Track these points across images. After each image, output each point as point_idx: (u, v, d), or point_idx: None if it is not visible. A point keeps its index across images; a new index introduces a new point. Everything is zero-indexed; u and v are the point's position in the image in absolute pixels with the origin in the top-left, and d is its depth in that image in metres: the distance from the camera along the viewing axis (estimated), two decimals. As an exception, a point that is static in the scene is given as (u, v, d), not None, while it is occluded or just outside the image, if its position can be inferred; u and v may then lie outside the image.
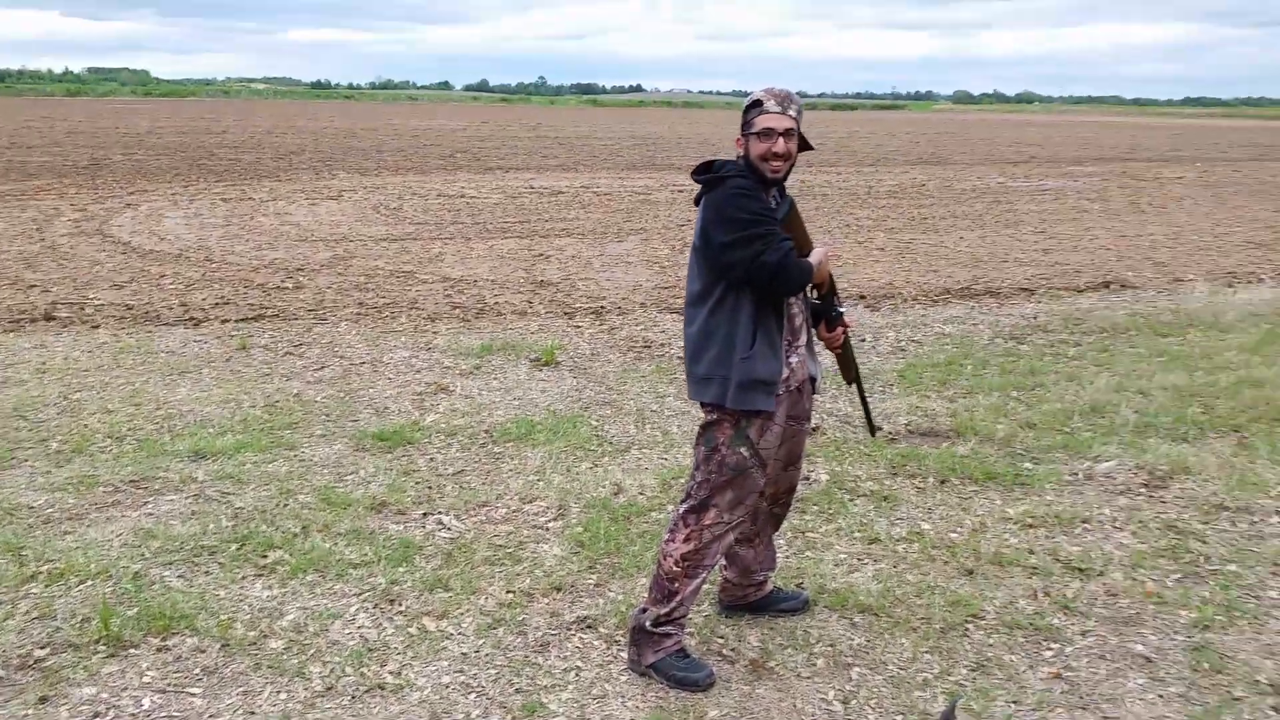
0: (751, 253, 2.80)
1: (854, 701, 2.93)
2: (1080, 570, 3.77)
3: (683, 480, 4.62)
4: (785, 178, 2.97)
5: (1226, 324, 7.75)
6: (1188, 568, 3.78)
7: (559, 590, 3.56)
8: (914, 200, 17.41)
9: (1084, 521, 4.21)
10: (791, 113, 2.93)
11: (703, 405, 3.02)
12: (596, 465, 4.83)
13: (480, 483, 4.59)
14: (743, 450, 2.96)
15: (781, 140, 2.89)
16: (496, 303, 8.61)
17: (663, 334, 7.56)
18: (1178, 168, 26.05)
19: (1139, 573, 3.73)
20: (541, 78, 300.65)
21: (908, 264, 10.91)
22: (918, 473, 4.77)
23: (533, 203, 16.00)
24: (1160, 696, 2.95)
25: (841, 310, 3.19)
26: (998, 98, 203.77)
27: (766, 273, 2.81)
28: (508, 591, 3.54)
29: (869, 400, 3.48)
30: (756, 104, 2.94)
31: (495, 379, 6.31)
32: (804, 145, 3.00)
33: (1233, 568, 3.75)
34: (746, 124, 2.95)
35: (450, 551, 3.85)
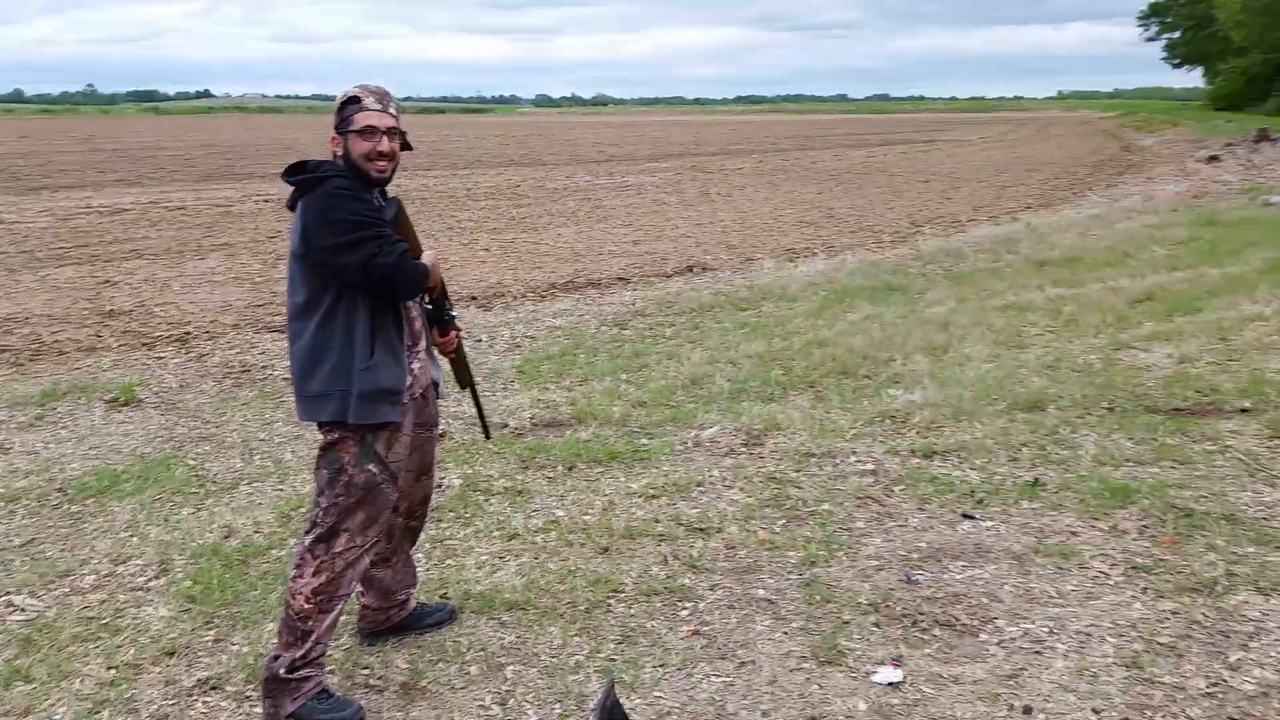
0: (365, 255, 2.64)
1: (511, 701, 2.89)
2: (701, 530, 4.02)
3: (304, 511, 4.31)
4: (390, 178, 2.84)
5: (792, 295, 8.72)
6: (790, 513, 4.17)
7: (172, 655, 3.15)
8: (511, 201, 17.79)
9: (698, 485, 4.51)
10: (392, 110, 2.82)
11: (320, 425, 2.81)
12: (200, 509, 4.36)
13: (58, 550, 3.96)
14: (371, 467, 2.79)
15: (385, 139, 2.76)
16: (56, 340, 7.53)
17: (263, 355, 7.04)
18: (737, 160, 29.02)
19: (751, 524, 4.06)
20: (90, 85, 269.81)
21: (513, 262, 11.10)
22: (547, 463, 4.84)
23: (92, 224, 14.24)
24: (784, 633, 3.22)
25: (454, 314, 3.12)
26: (576, 100, 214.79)
27: (383, 275, 2.66)
28: (109, 668, 3.07)
29: (483, 404, 3.44)
30: (354, 100, 2.77)
31: (64, 428, 5.50)
32: (404, 145, 2.89)
33: (826, 507, 4.20)
34: (344, 121, 2.77)
35: (28, 636, 3.27)
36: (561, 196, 18.73)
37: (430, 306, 3.05)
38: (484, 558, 3.84)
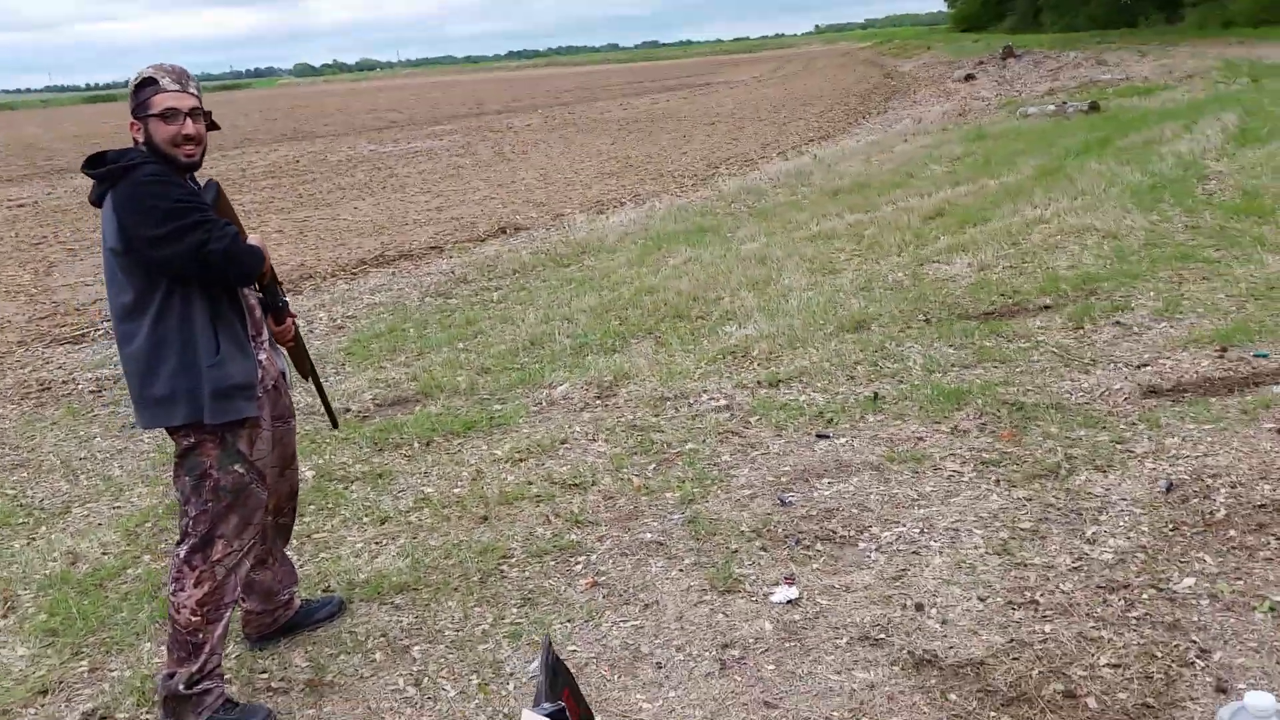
0: (194, 243, 2.46)
1: (425, 680, 2.84)
2: (576, 485, 4.04)
3: (150, 525, 4.04)
4: (200, 162, 2.66)
5: (611, 246, 8.79)
6: (658, 457, 4.26)
7: (46, 693, 2.90)
8: (294, 178, 16.96)
9: (563, 443, 4.52)
10: (193, 89, 2.62)
11: (173, 430, 2.63)
12: (34, 539, 4.00)
13: (-126, 607, 3.54)
14: (236, 468, 2.65)
15: (189, 120, 2.57)
16: None
17: (60, 370, 6.46)
18: (524, 116, 28.74)
19: (623, 473, 4.12)
20: None
21: (313, 242, 10.62)
22: (402, 442, 4.72)
23: None
24: (680, 570, 3.30)
25: (286, 300, 2.96)
26: (340, 67, 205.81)
27: (217, 262, 2.48)
28: (-28, 723, 2.81)
29: (326, 391, 3.31)
30: (150, 82, 2.57)
31: None
32: (210, 125, 2.70)
33: (690, 446, 4.31)
34: (141, 105, 2.57)
35: None
36: (348, 169, 18.02)
37: (262, 294, 2.89)
38: (359, 545, 3.73)
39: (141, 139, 2.58)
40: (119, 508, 4.27)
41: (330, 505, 4.09)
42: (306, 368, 3.12)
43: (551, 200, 12.26)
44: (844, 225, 8.61)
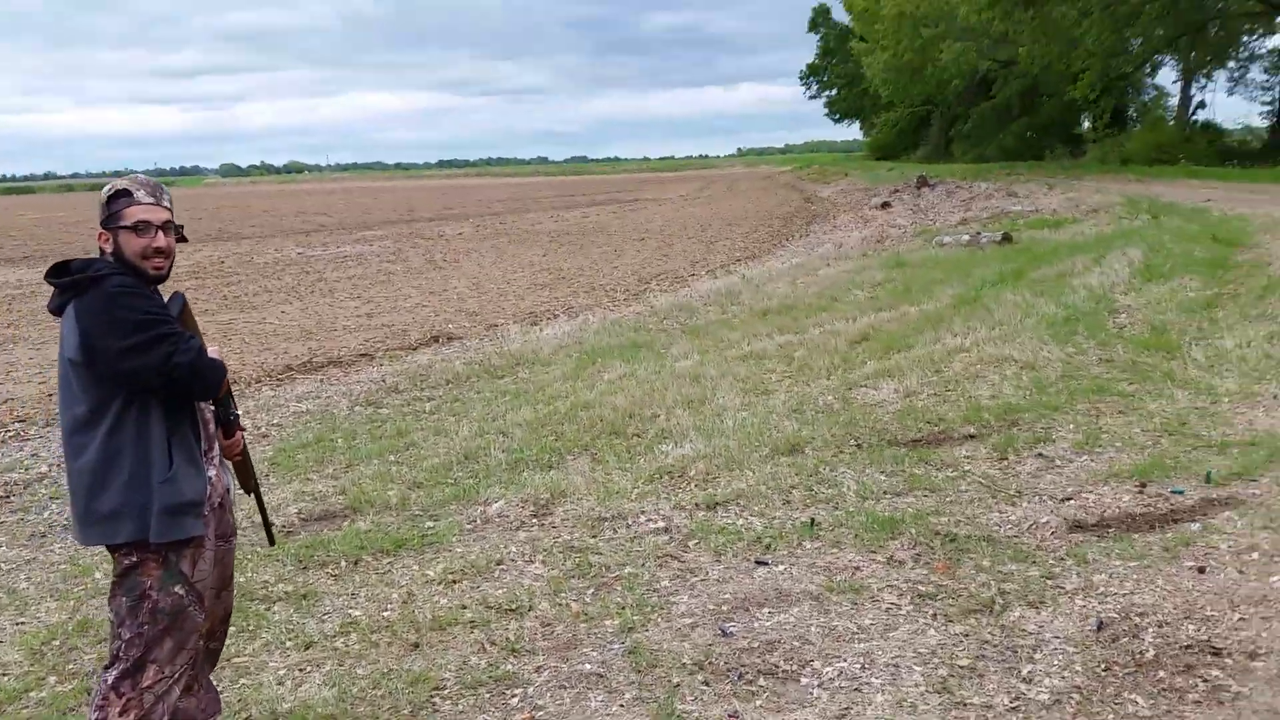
0: (160, 355, 2.45)
1: (354, 827, 2.70)
2: (513, 611, 3.95)
3: (58, 643, 3.82)
4: (167, 275, 2.65)
5: (545, 359, 8.82)
6: (596, 581, 4.20)
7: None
8: (219, 279, 16.74)
9: (498, 564, 4.43)
10: (166, 203, 2.65)
11: (113, 549, 2.54)
12: (-74, 661, 3.74)
13: None
14: (177, 589, 2.56)
15: (160, 234, 2.59)
16: None
17: (-37, 474, 6.15)
18: (456, 224, 28.98)
19: (561, 598, 4.04)
20: None
21: (238, 346, 10.43)
22: (328, 560, 4.57)
23: None
24: (620, 705, 3.22)
25: (238, 413, 2.94)
26: (267, 169, 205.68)
27: (182, 375, 2.47)
28: None
29: (266, 507, 3.24)
30: (124, 194, 2.59)
31: None
32: (179, 238, 2.72)
33: (629, 570, 4.26)
34: (113, 216, 2.59)
35: None
36: (275, 271, 17.87)
37: (215, 407, 2.86)
38: (282, 672, 3.57)
39: (110, 249, 2.58)
40: (23, 623, 4.03)
41: (251, 627, 3.92)
42: (251, 483, 3.08)
43: (484, 310, 12.30)
44: (774, 346, 8.78)
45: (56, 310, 2.56)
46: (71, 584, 4.34)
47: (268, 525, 3.20)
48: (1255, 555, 3.96)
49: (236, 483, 3.05)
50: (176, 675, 2.59)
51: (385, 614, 3.99)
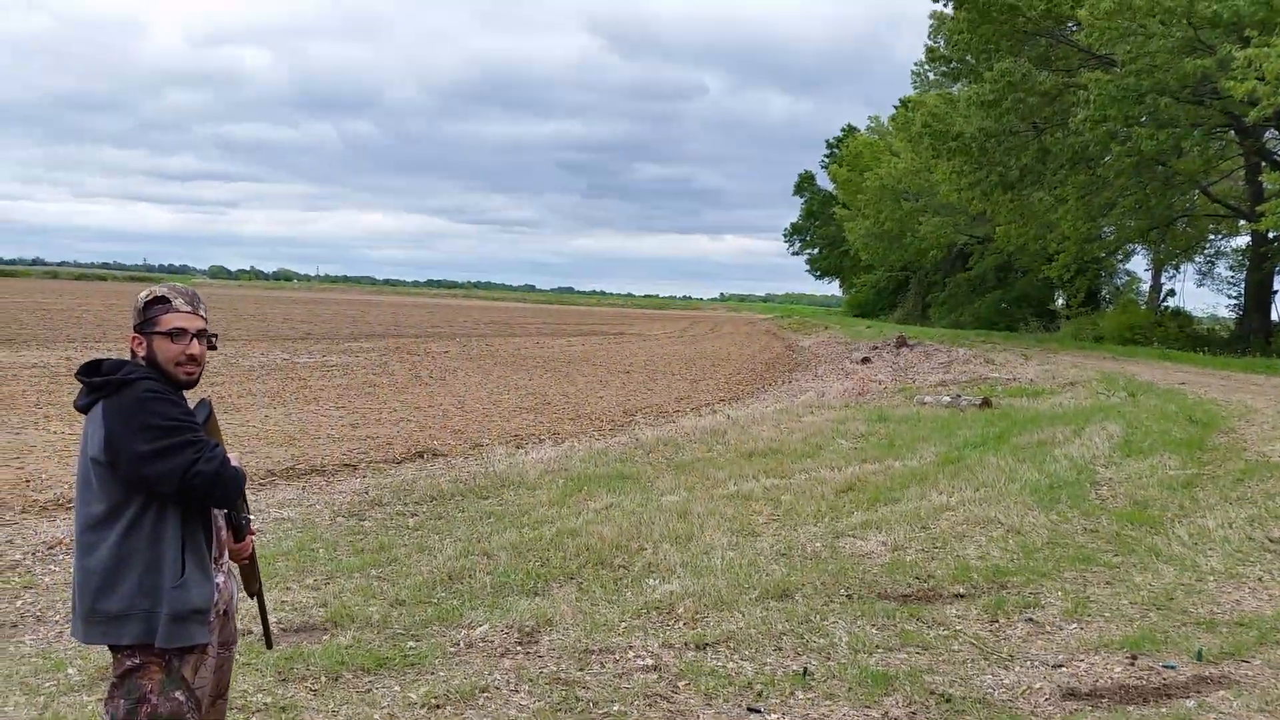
0: (184, 462, 2.47)
1: None
2: (498, 742, 3.84)
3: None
4: (197, 382, 2.70)
5: (532, 482, 8.77)
6: (583, 716, 4.09)
7: None
8: (204, 378, 16.65)
9: (482, 691, 4.32)
10: (202, 312, 2.73)
11: (116, 649, 2.49)
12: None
13: None
14: (177, 694, 2.50)
15: (195, 341, 2.65)
16: None
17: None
18: (442, 343, 29.15)
19: (548, 731, 3.94)
20: None
21: (219, 445, 10.32)
22: (308, 674, 4.44)
23: None
24: None
25: (250, 517, 2.93)
26: (256, 274, 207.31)
27: (204, 483, 2.48)
28: None
29: (268, 611, 3.23)
30: (161, 301, 2.67)
31: None
32: (210, 347, 2.79)
33: (618, 708, 4.17)
34: (148, 321, 2.66)
35: None
36: (260, 375, 17.83)
37: (229, 512, 2.86)
38: (259, 790, 3.42)
39: (143, 353, 2.62)
40: (-14, 721, 3.86)
41: (228, 739, 3.77)
42: (255, 586, 3.05)
43: (469, 429, 12.27)
44: (760, 488, 8.79)
45: (84, 408, 2.60)
46: (43, 678, 4.19)
47: (267, 629, 3.18)
48: (1253, 738, 3.93)
49: (241, 586, 3.02)
50: (167, 784, 2.49)
51: (366, 734, 3.86)
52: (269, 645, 3.28)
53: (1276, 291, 30.78)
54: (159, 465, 2.45)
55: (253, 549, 2.98)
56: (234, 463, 2.68)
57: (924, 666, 4.65)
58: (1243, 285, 32.76)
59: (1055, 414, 13.63)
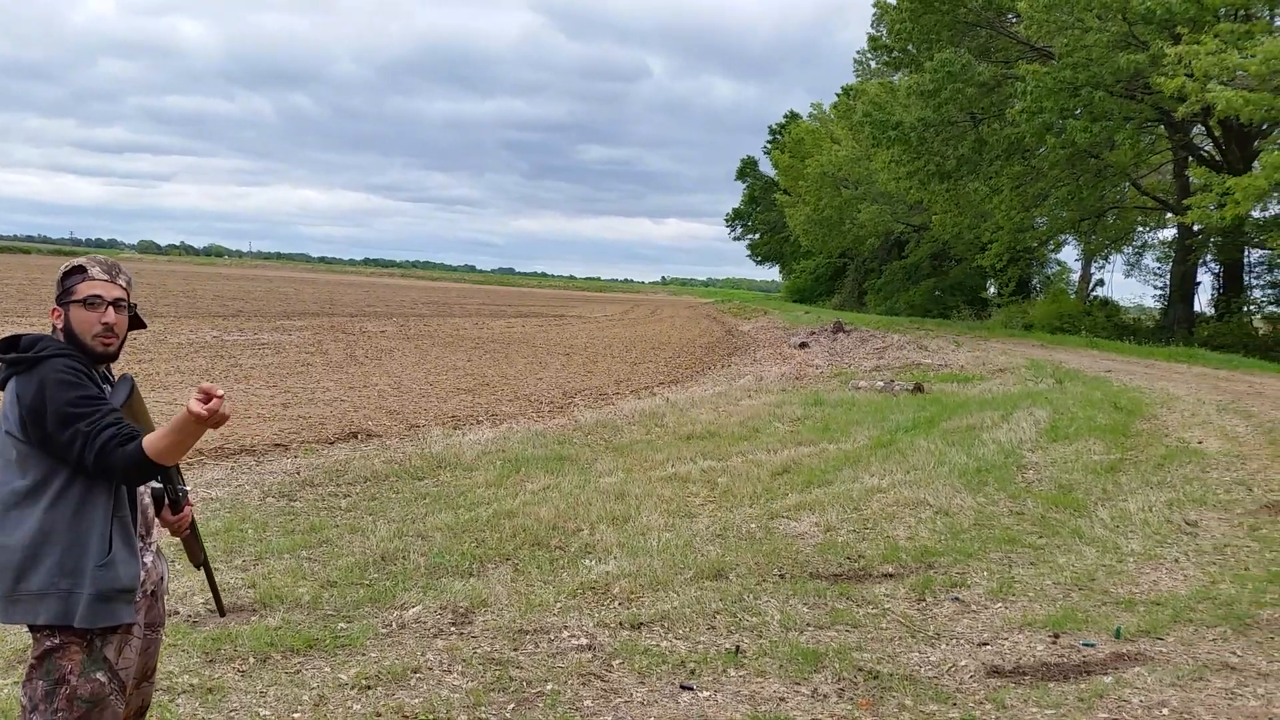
0: (93, 447, 2.39)
1: None
2: (429, 722, 3.82)
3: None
4: (117, 354, 2.62)
5: (469, 463, 8.71)
6: (517, 695, 4.09)
7: None
8: (130, 356, 16.19)
9: (414, 671, 4.29)
10: (121, 282, 2.65)
11: (35, 629, 2.42)
12: None
13: None
14: (99, 675, 2.44)
15: (111, 310, 2.58)
16: None
17: None
18: (379, 322, 28.75)
19: (480, 711, 3.92)
20: None
21: (146, 424, 10.07)
22: (235, 655, 4.37)
23: None
24: (542, 827, 3.11)
25: (186, 489, 2.89)
26: (186, 249, 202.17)
27: (112, 467, 2.41)
28: None
29: (215, 578, 3.21)
30: (78, 270, 2.60)
31: None
32: (136, 323, 2.70)
33: (551, 686, 4.17)
34: (66, 292, 2.59)
35: None
36: (189, 353, 17.42)
37: (160, 483, 2.80)
38: (183, 772, 3.36)
39: (60, 325, 2.56)
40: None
41: (154, 718, 3.69)
42: (200, 557, 3.01)
43: (405, 409, 12.14)
44: (698, 470, 8.85)
45: (1, 385, 2.52)
46: (-46, 660, 4.05)
47: (218, 597, 3.17)
48: (1165, 712, 4.07)
49: (178, 562, 2.97)
50: (88, 766, 2.43)
51: (295, 716, 3.81)
52: (221, 613, 3.33)
53: (1199, 283, 31.78)
54: (62, 449, 2.41)
55: (192, 520, 2.93)
56: (161, 437, 2.58)
57: (853, 644, 4.73)
58: (1168, 277, 33.73)
59: (984, 400, 13.92)
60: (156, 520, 2.78)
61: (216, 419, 2.36)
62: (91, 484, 2.44)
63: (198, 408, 2.33)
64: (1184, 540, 6.80)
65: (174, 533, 2.89)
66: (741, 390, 16.43)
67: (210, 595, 3.29)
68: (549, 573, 5.71)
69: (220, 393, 2.37)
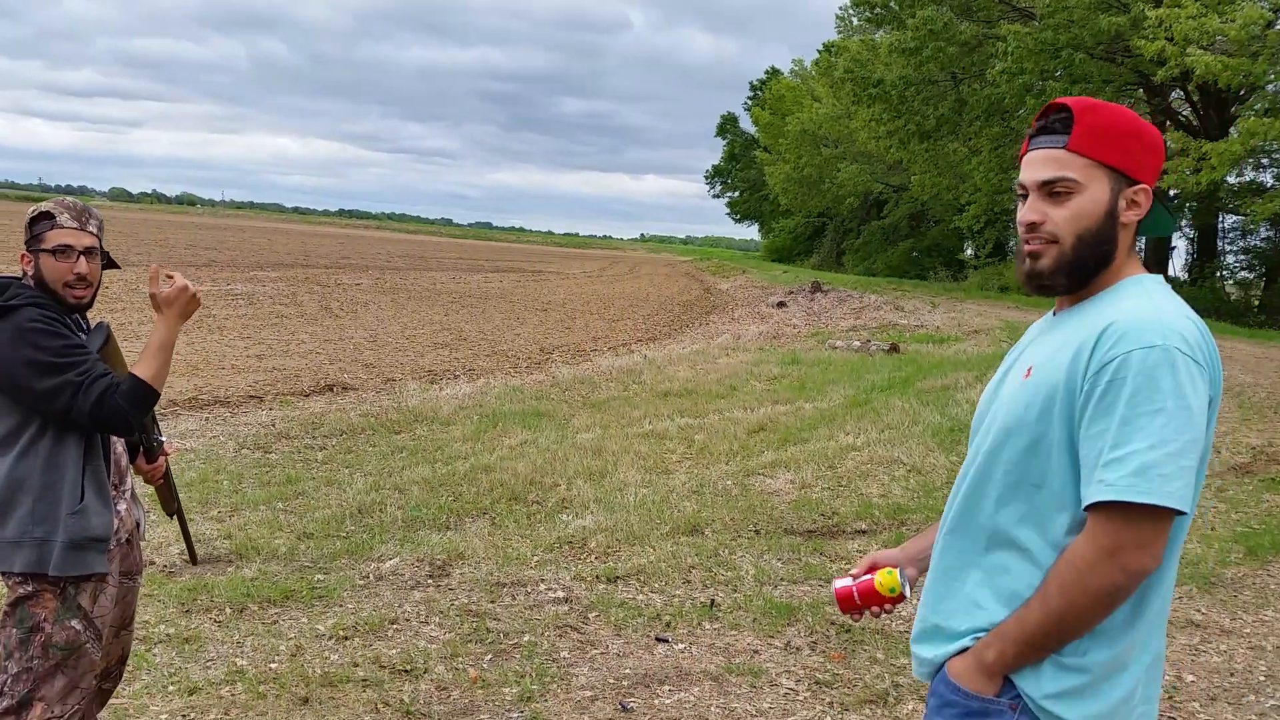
0: (62, 403, 2.38)
1: None
2: (407, 672, 3.85)
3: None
4: (90, 303, 2.58)
5: (446, 418, 8.70)
6: (494, 647, 4.13)
7: None
8: (101, 305, 15.99)
9: (392, 623, 4.32)
10: (92, 228, 2.59)
11: (8, 576, 2.41)
12: None
13: None
14: (74, 624, 2.43)
15: (83, 259, 2.53)
16: None
17: None
18: (354, 275, 28.52)
19: (457, 662, 3.96)
20: None
21: (119, 374, 9.98)
22: (212, 605, 4.38)
23: None
24: (519, 774, 3.16)
25: (162, 438, 2.87)
26: (158, 198, 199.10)
27: (88, 419, 2.39)
28: None
29: (189, 526, 3.25)
30: (46, 216, 2.53)
31: None
32: (108, 264, 2.66)
33: (528, 638, 4.21)
34: (35, 239, 2.53)
35: None
36: (162, 302, 17.21)
37: (137, 433, 2.78)
38: (164, 717, 3.38)
39: (30, 272, 2.50)
40: None
41: (131, 667, 3.69)
42: (174, 506, 3.02)
43: (381, 363, 12.09)
44: (675, 427, 8.88)
45: None
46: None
47: (190, 545, 3.23)
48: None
49: (153, 512, 2.96)
50: (66, 716, 2.44)
51: (273, 665, 3.83)
52: (193, 561, 3.38)
53: (1174, 248, 32.03)
54: (42, 400, 2.37)
55: (167, 468, 2.92)
56: (146, 370, 2.58)
57: (826, 598, 4.79)
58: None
59: (959, 360, 14.03)
60: (130, 468, 2.76)
61: (186, 300, 2.60)
62: (62, 433, 2.41)
63: (164, 287, 2.51)
64: (1151, 500, 6.92)
65: (148, 481, 2.89)
66: (719, 348, 16.46)
67: (184, 545, 3.30)
68: (526, 527, 5.74)
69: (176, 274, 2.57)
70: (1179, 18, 18.77)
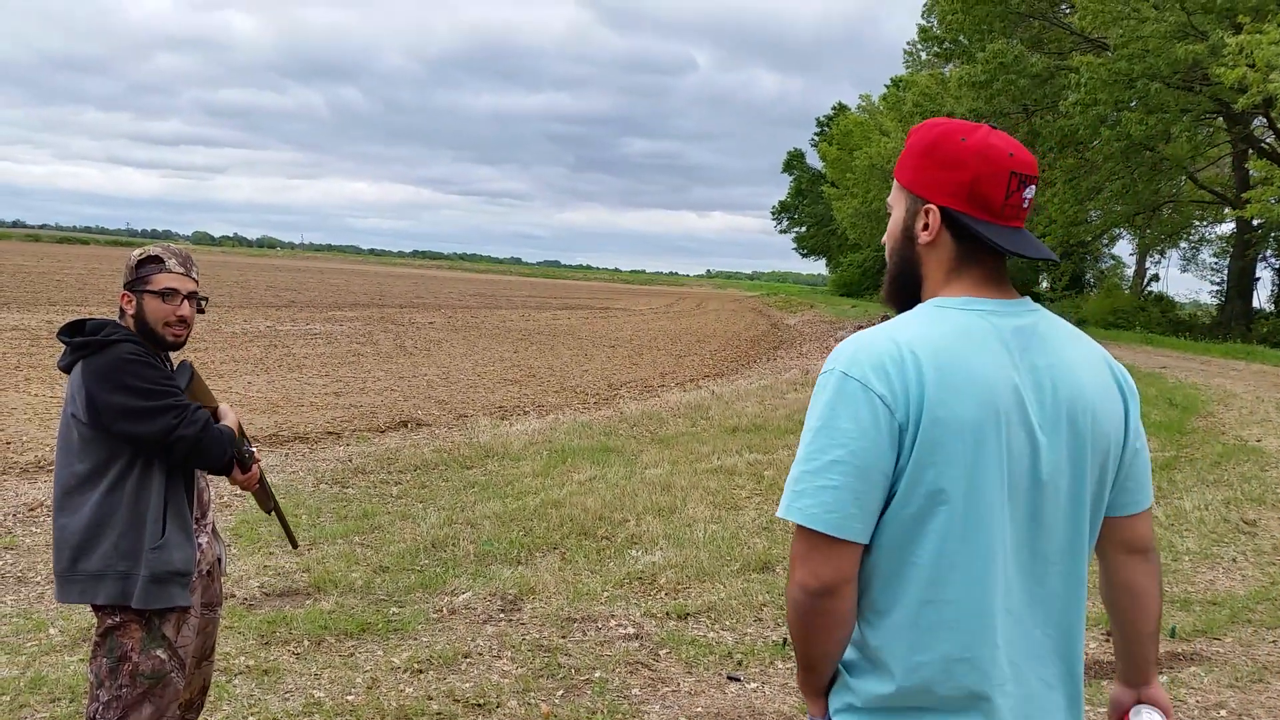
0: (164, 426, 2.47)
1: None
2: (480, 706, 3.87)
3: (7, 699, 3.66)
4: (184, 345, 2.70)
5: (516, 453, 8.79)
6: (565, 682, 4.13)
7: None
8: (187, 344, 16.57)
9: (465, 656, 4.35)
10: (195, 274, 2.72)
11: (96, 608, 2.50)
12: None
13: None
14: (159, 653, 2.51)
15: (186, 303, 2.64)
16: None
17: (-89, 514, 5.95)
18: (427, 314, 29.06)
19: (530, 696, 3.97)
20: None
21: (202, 411, 10.29)
22: (290, 637, 4.46)
23: None
24: (592, 811, 3.15)
25: (253, 450, 2.97)
26: (240, 241, 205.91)
27: (187, 447, 2.49)
28: None
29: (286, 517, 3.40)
30: (155, 260, 2.65)
31: None
32: (199, 309, 2.79)
33: (599, 674, 4.20)
34: (140, 280, 2.64)
35: None
36: (243, 342, 17.74)
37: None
38: (242, 749, 3.45)
39: (131, 311, 2.61)
40: (-34, 679, 3.86)
41: (212, 698, 3.78)
42: (270, 504, 3.14)
43: (454, 399, 12.26)
44: (744, 463, 8.84)
45: (65, 368, 2.59)
46: (24, 638, 4.19)
47: (289, 533, 3.34)
48: (1223, 713, 4.00)
49: (235, 548, 3.04)
50: (153, 742, 2.51)
51: (349, 698, 3.88)
52: (294, 545, 3.46)
53: (1259, 279, 31.03)
54: (140, 428, 2.46)
55: (260, 474, 3.00)
56: (227, 416, 2.71)
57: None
58: (1225, 272, 33.00)
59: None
60: (212, 502, 2.85)
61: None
62: (148, 469, 2.50)
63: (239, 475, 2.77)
64: (1242, 540, 6.67)
65: (244, 488, 2.96)
66: (787, 384, 16.36)
67: (283, 533, 3.38)
68: (596, 562, 5.75)
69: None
70: (1261, 44, 18.32)
